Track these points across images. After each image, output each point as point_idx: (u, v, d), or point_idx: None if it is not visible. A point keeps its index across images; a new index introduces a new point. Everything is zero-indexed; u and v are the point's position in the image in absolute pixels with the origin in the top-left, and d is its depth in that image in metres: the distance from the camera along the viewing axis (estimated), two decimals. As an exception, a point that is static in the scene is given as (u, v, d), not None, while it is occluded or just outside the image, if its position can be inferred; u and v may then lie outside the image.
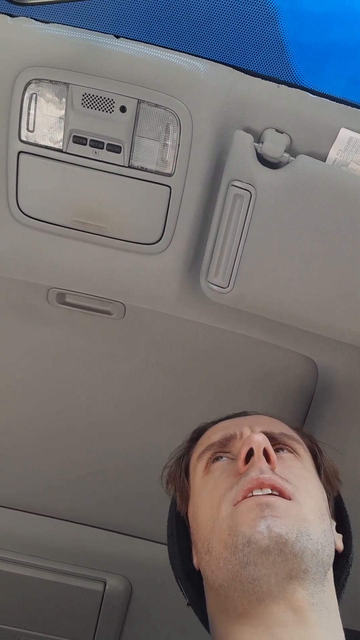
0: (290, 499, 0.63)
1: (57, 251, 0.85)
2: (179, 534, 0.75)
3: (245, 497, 0.62)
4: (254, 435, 0.66)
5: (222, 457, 0.70)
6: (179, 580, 0.75)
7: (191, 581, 0.72)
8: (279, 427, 0.75)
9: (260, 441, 0.65)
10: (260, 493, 0.62)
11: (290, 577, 0.58)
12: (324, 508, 0.67)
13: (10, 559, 1.23)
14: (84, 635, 1.29)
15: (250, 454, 0.65)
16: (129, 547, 1.24)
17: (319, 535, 0.62)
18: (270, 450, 0.66)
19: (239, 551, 0.59)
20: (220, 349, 1.01)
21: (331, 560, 0.64)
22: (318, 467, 0.74)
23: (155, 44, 0.72)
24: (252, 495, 0.62)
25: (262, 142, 0.74)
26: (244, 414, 0.81)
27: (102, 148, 0.76)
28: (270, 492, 0.62)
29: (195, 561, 0.71)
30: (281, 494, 0.63)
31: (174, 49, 0.72)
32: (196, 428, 0.82)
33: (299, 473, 0.68)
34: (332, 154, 0.75)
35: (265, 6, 0.72)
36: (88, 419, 1.11)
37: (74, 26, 0.72)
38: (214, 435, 0.74)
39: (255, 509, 0.60)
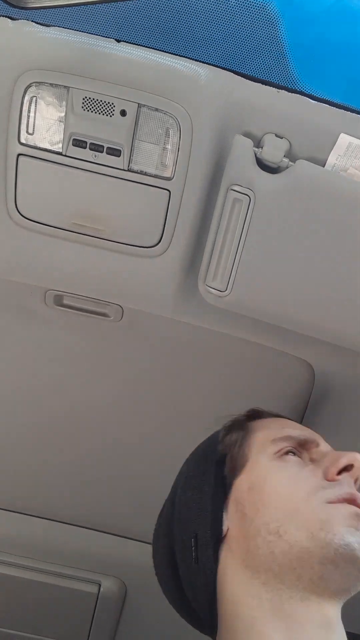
0: None
1: (56, 253, 0.85)
2: (216, 492, 0.71)
3: (339, 503, 0.64)
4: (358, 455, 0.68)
5: (294, 454, 0.71)
6: (195, 536, 0.70)
7: (214, 539, 0.69)
8: None
9: None
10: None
11: (345, 592, 0.61)
12: None
13: (4, 561, 1.22)
14: (78, 637, 1.29)
15: (344, 469, 0.67)
16: (124, 549, 1.23)
17: None
18: None
19: (331, 548, 0.60)
20: (217, 352, 1.01)
21: None
22: None
23: (156, 49, 0.72)
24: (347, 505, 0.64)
25: (262, 147, 0.74)
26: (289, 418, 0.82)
27: (102, 151, 0.76)
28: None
29: (226, 526, 0.69)
30: None
31: (174, 54, 0.73)
32: (251, 409, 0.82)
33: None
34: (332, 159, 0.75)
35: (265, 11, 0.72)
36: (84, 421, 1.11)
37: (75, 30, 0.72)
38: (289, 429, 0.74)
39: (355, 518, 0.62)
